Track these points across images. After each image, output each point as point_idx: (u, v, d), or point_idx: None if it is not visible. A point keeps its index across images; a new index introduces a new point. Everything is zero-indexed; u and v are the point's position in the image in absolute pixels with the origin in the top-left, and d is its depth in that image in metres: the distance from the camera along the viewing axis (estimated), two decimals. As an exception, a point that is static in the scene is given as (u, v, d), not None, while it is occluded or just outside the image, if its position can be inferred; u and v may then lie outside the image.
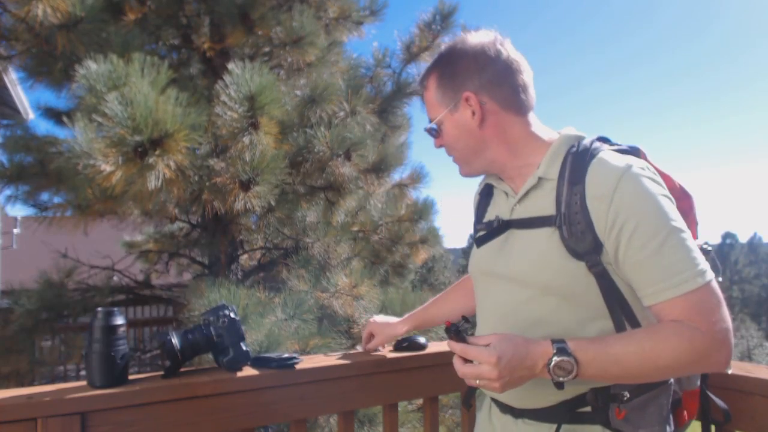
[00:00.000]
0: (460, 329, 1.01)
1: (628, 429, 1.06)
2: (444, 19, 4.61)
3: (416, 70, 4.81)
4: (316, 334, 2.86)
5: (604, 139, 1.16)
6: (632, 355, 0.97)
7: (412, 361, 1.58)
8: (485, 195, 1.33)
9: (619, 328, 1.05)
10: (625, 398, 1.05)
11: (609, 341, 0.99)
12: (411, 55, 4.72)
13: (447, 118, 1.18)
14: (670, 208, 1.01)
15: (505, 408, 1.20)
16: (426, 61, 4.75)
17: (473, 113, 1.14)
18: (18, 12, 3.13)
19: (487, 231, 1.21)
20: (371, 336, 1.61)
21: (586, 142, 1.12)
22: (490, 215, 1.27)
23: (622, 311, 1.05)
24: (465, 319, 1.04)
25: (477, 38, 1.16)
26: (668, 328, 0.97)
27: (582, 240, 1.03)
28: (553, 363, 0.95)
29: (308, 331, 2.86)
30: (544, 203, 1.12)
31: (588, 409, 1.08)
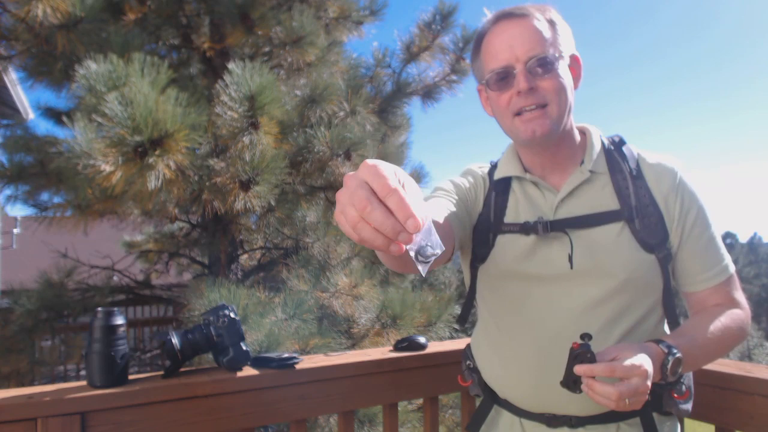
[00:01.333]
0: (592, 351, 0.91)
1: (676, 408, 1.10)
2: (444, 19, 4.61)
3: (416, 69, 4.81)
4: (316, 334, 2.86)
5: (620, 136, 1.21)
6: (713, 341, 1.05)
7: (412, 361, 1.57)
8: (501, 192, 1.20)
9: (670, 316, 1.12)
10: (676, 381, 1.07)
11: (691, 333, 1.06)
12: (411, 55, 4.71)
13: (563, 63, 1.06)
14: (707, 201, 1.13)
15: (559, 421, 1.12)
16: (426, 61, 4.75)
17: (573, 76, 1.09)
18: (18, 12, 3.13)
19: (527, 233, 1.12)
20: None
21: (618, 139, 1.18)
22: (520, 214, 1.15)
23: (670, 300, 1.12)
24: (588, 336, 0.94)
25: None
26: (724, 310, 1.09)
27: (655, 231, 1.08)
28: (670, 362, 0.96)
29: (308, 331, 2.86)
30: (601, 198, 1.10)
31: (648, 398, 1.07)
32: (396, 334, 3.22)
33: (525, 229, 1.12)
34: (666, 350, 0.97)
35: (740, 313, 1.11)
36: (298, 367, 1.43)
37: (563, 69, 1.06)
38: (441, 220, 1.01)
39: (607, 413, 1.09)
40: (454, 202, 1.16)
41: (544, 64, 1.03)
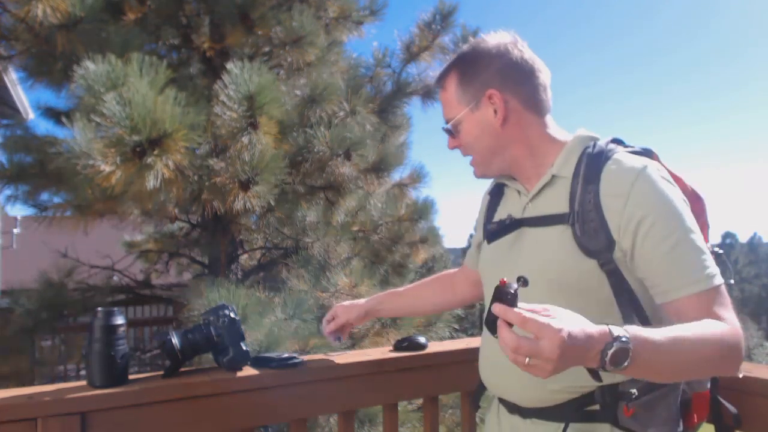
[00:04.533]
0: (516, 293, 0.84)
1: (637, 427, 1.04)
2: (444, 18, 4.61)
3: (416, 69, 4.81)
4: (316, 334, 2.86)
5: (618, 141, 1.17)
6: (679, 347, 0.92)
7: (412, 361, 1.57)
8: (495, 194, 1.33)
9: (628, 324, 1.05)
10: (634, 396, 1.03)
11: (656, 331, 0.91)
12: (411, 54, 4.71)
13: (467, 117, 1.17)
14: (684, 209, 1.04)
15: (512, 408, 1.18)
16: (426, 60, 4.75)
17: (495, 111, 1.14)
18: (18, 12, 3.13)
19: (498, 228, 1.21)
20: (332, 319, 1.55)
21: (602, 143, 1.14)
22: (501, 214, 1.27)
23: (632, 309, 1.05)
24: (523, 280, 0.87)
25: (497, 38, 1.18)
26: (702, 322, 0.96)
27: (595, 238, 1.04)
28: (612, 350, 0.83)
29: (308, 331, 2.86)
30: (557, 201, 1.13)
31: (596, 407, 1.06)
32: (396, 334, 3.22)
33: (499, 225, 1.22)
34: (613, 336, 0.84)
35: (724, 326, 0.97)
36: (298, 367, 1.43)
37: (470, 123, 1.17)
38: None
39: (542, 409, 1.11)
40: (476, 238, 1.42)
41: (451, 131, 1.20)
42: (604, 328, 0.86)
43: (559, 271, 1.07)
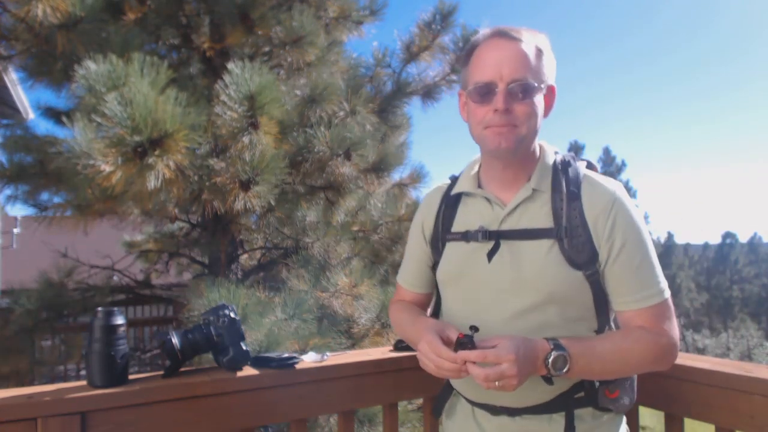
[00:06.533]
0: (472, 339, 1.05)
1: (613, 404, 1.19)
2: (444, 18, 4.61)
3: (416, 69, 4.81)
4: (316, 333, 2.86)
5: (572, 155, 1.26)
6: (611, 353, 1.12)
7: (412, 361, 1.56)
8: (451, 205, 1.31)
9: (601, 328, 1.19)
10: (612, 379, 1.18)
11: (592, 340, 1.14)
12: (411, 54, 4.72)
13: (539, 91, 1.14)
14: (645, 229, 1.17)
15: (499, 410, 1.23)
16: (426, 60, 4.76)
17: (546, 105, 1.18)
18: (18, 12, 3.13)
19: (468, 241, 1.23)
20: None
21: (568, 158, 1.24)
22: (466, 224, 1.25)
23: (604, 312, 1.19)
24: (475, 328, 1.07)
25: None
26: (638, 332, 1.14)
27: (582, 251, 1.14)
28: (552, 357, 1.05)
29: (308, 331, 2.86)
30: (539, 215, 1.18)
31: (582, 394, 1.19)
32: (396, 334, 3.22)
33: (466, 237, 1.23)
34: (551, 346, 1.06)
35: (656, 338, 1.12)
36: (298, 367, 1.43)
37: (539, 97, 1.15)
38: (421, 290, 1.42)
39: (537, 405, 1.19)
40: (417, 256, 1.41)
41: (524, 90, 1.12)
42: (544, 341, 1.07)
43: (553, 282, 1.14)
